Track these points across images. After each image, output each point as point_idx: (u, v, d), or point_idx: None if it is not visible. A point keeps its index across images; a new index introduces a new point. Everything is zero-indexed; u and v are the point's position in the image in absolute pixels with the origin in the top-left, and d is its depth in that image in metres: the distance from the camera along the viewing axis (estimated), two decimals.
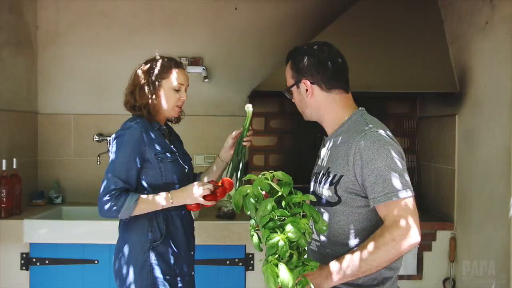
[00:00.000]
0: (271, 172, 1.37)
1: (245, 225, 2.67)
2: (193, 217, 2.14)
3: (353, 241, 1.50)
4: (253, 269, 2.75)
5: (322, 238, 1.57)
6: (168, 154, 1.96)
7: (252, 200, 1.36)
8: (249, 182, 1.42)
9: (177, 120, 2.12)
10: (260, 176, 1.37)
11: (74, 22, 3.31)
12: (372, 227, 1.49)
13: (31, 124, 3.24)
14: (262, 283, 2.75)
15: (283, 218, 1.32)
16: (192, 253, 2.06)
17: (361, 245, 1.44)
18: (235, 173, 1.98)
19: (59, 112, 3.31)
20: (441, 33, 2.84)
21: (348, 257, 1.43)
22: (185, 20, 3.33)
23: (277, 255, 1.28)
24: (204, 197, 1.89)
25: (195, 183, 1.91)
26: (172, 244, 1.94)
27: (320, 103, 1.62)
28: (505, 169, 2.25)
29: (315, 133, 3.31)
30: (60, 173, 3.30)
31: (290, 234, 1.27)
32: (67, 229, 2.68)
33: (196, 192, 1.88)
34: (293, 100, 1.72)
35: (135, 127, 1.90)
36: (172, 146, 2.04)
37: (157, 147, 1.93)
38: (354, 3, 2.86)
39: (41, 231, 2.66)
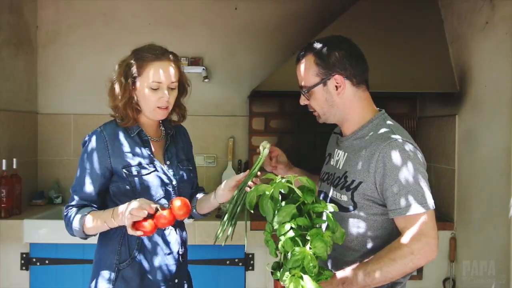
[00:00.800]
0: (295, 176, 1.31)
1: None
2: (184, 236, 1.80)
3: (365, 248, 1.48)
4: (253, 269, 2.74)
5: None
6: (140, 167, 1.63)
7: (270, 203, 1.28)
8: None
9: (179, 119, 1.85)
10: (278, 177, 1.32)
11: (74, 22, 3.31)
12: (387, 235, 1.46)
13: (31, 124, 3.24)
14: (262, 283, 2.76)
15: (303, 227, 1.27)
16: (176, 281, 1.72)
17: (376, 256, 1.40)
18: (230, 224, 1.61)
19: (59, 112, 3.31)
20: (441, 33, 2.84)
21: (361, 267, 1.39)
22: (185, 20, 3.33)
23: (300, 268, 1.22)
24: (136, 223, 1.45)
25: (134, 200, 1.48)
26: (143, 269, 1.63)
27: (347, 101, 1.53)
28: (505, 169, 2.25)
29: (315, 133, 3.32)
30: (60, 173, 3.30)
31: (317, 250, 1.22)
32: None
33: (125, 213, 1.46)
34: (305, 102, 1.58)
35: (97, 135, 1.64)
36: (166, 153, 1.74)
37: (126, 158, 1.62)
38: (354, 3, 2.86)
39: (41, 231, 2.66)
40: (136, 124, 1.68)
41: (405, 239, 1.37)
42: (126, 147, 1.64)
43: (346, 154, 1.55)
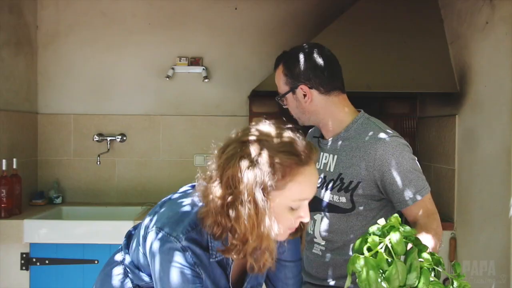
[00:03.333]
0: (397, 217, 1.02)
1: None
2: None
3: None
4: None
5: (330, 243, 1.56)
6: None
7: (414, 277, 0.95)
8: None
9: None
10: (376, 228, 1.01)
11: (74, 22, 3.31)
12: None
13: (31, 124, 3.24)
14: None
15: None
16: None
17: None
18: None
19: (59, 112, 3.31)
20: (441, 33, 2.84)
21: None
22: (185, 20, 3.33)
23: None
24: None
25: None
26: None
27: (319, 107, 1.57)
28: (505, 169, 2.25)
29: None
30: (60, 173, 3.30)
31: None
32: (67, 229, 2.68)
33: None
34: (285, 107, 1.65)
35: (182, 257, 1.06)
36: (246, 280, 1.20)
37: None
38: (354, 3, 2.86)
39: (41, 231, 2.66)
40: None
41: (425, 223, 1.44)
42: (210, 279, 1.12)
43: (335, 156, 1.57)
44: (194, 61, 3.30)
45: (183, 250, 1.06)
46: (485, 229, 2.44)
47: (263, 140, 1.05)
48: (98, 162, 3.17)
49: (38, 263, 2.70)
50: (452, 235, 2.74)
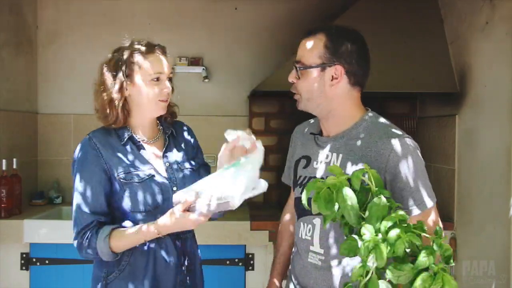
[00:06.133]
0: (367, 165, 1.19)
1: (245, 225, 2.67)
2: (190, 246, 1.66)
3: None
4: (253, 269, 2.74)
5: (330, 252, 1.43)
6: (136, 173, 1.53)
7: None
8: None
9: (172, 116, 1.75)
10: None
11: (74, 22, 3.31)
12: None
13: (31, 124, 3.24)
14: (262, 283, 2.75)
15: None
16: None
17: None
18: None
19: (59, 112, 3.31)
20: (441, 33, 2.84)
21: None
22: (185, 20, 3.33)
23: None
24: None
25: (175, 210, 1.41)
26: (133, 282, 1.54)
27: (338, 96, 1.45)
28: (505, 169, 2.25)
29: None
30: (60, 173, 3.29)
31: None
32: (67, 229, 2.65)
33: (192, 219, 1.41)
34: (293, 80, 1.49)
35: (86, 143, 1.58)
36: (164, 156, 1.64)
37: (120, 165, 1.53)
38: (354, 3, 2.86)
39: (41, 231, 2.65)
40: (127, 128, 1.62)
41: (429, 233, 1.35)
42: (118, 154, 1.56)
43: (340, 155, 1.45)
44: (194, 61, 3.30)
45: (89, 139, 1.62)
46: (485, 229, 2.44)
47: (125, 44, 1.81)
48: None
49: (38, 263, 2.70)
50: (452, 235, 2.74)
